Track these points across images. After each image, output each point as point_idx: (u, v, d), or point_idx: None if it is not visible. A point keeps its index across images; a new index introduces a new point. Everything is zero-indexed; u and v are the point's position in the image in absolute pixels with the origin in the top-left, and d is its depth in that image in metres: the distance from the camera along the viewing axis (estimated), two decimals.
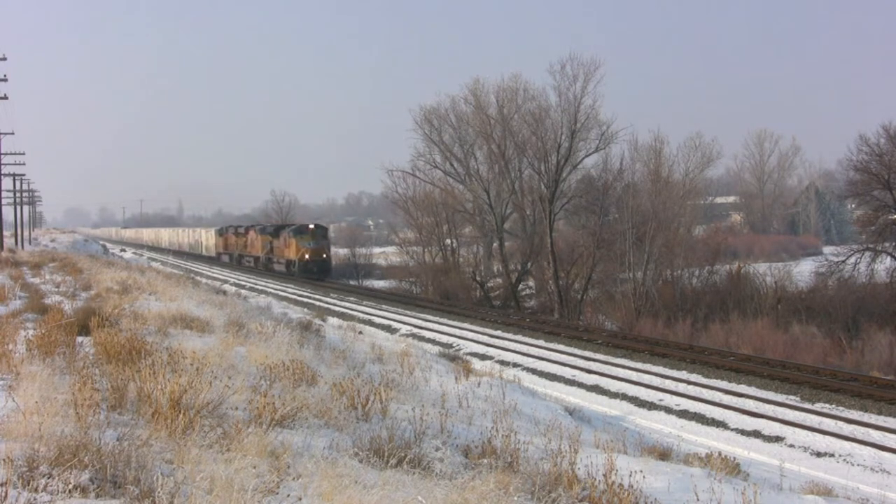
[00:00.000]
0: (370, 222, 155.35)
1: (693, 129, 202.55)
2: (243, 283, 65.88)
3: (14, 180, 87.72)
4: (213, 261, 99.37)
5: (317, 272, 68.66)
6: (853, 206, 76.80)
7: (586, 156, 61.47)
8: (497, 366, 26.17)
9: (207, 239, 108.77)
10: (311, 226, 72.83)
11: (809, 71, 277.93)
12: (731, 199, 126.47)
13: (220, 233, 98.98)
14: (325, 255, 70.59)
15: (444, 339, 35.12)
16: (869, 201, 49.18)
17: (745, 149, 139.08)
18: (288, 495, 7.34)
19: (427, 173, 70.56)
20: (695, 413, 22.25)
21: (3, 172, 71.94)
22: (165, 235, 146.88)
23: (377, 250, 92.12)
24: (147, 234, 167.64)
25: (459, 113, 68.47)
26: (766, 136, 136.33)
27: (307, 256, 69.49)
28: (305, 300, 51.64)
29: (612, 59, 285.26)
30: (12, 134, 74.85)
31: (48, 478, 7.00)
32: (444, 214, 66.43)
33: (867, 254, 45.48)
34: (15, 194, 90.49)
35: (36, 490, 6.80)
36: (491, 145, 65.87)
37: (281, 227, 78.87)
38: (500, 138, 65.14)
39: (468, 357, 28.29)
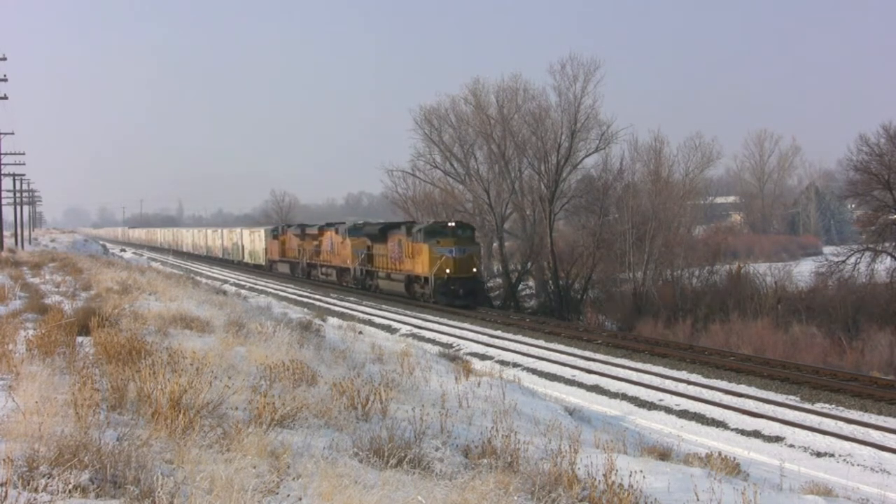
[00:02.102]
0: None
1: (693, 129, 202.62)
2: (245, 284, 65.83)
3: (14, 180, 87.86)
4: (260, 271, 77.81)
5: (464, 296, 44.35)
6: (853, 206, 76.86)
7: (586, 156, 61.58)
8: (497, 366, 26.16)
9: (253, 242, 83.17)
10: (452, 223, 46.90)
11: (809, 71, 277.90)
12: (731, 199, 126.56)
13: (275, 234, 74.91)
14: (475, 270, 45.31)
15: (444, 339, 35.11)
16: (869, 201, 49.24)
17: (745, 149, 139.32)
18: (288, 495, 7.35)
19: (427, 173, 70.59)
20: (695, 413, 22.25)
21: (3, 172, 72.03)
22: (188, 237, 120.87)
23: None
24: (163, 236, 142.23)
25: (459, 113, 68.53)
26: (766, 136, 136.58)
27: (449, 271, 44.18)
28: (305, 300, 51.63)
29: (612, 59, 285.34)
30: (12, 134, 74.84)
31: (48, 478, 7.00)
32: (444, 214, 66.36)
33: (867, 254, 45.51)
34: (15, 194, 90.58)
35: (36, 490, 6.80)
36: (491, 145, 65.92)
37: (391, 225, 53.12)
38: (500, 138, 65.19)
39: (468, 357, 28.28)
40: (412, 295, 48.06)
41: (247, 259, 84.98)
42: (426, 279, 45.67)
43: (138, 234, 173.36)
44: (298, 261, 67.94)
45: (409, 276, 48.03)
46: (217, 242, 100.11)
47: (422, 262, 45.67)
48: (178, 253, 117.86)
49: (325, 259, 61.97)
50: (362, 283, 55.46)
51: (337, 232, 59.53)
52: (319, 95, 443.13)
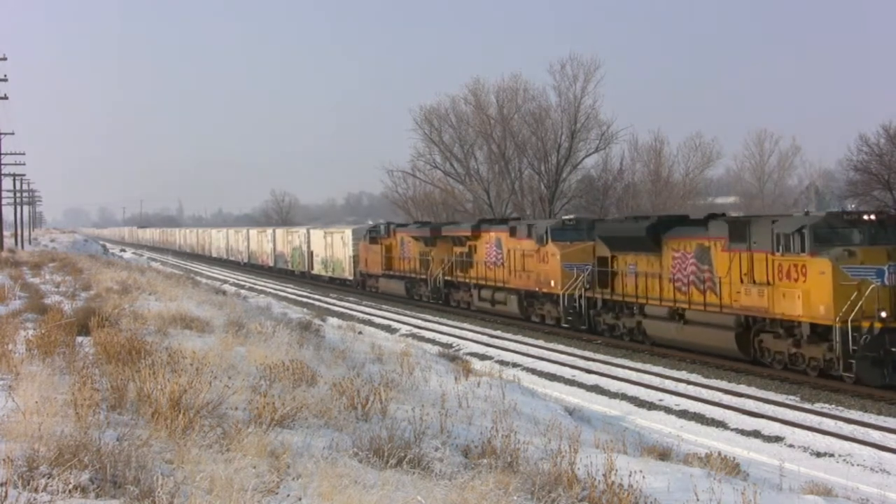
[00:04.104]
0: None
1: (693, 128, 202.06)
2: (245, 284, 65.78)
3: (14, 180, 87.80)
4: (343, 289, 57.66)
5: None
6: (853, 206, 76.91)
7: (586, 156, 61.86)
8: (497, 366, 26.17)
9: (331, 247, 60.81)
10: (870, 215, 24.31)
11: (810, 70, 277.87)
12: (731, 199, 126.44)
13: (374, 236, 52.65)
14: None
15: (444, 339, 35.11)
16: (869, 201, 49.30)
17: (745, 149, 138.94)
18: (288, 495, 7.36)
19: (427, 173, 70.78)
20: (694, 413, 22.25)
21: (3, 172, 72.00)
22: (219, 239, 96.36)
23: None
24: (184, 237, 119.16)
25: (459, 113, 68.71)
26: (766, 136, 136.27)
27: (885, 315, 21.74)
28: (305, 300, 51.62)
29: (612, 58, 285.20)
30: (12, 134, 74.64)
31: (48, 478, 7.01)
32: (444, 214, 66.40)
33: None
34: (15, 194, 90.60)
35: (36, 490, 6.81)
36: (491, 145, 66.07)
37: (674, 220, 30.55)
38: (500, 138, 65.33)
39: (468, 357, 28.26)
40: (759, 357, 25.73)
41: (318, 270, 63.37)
42: (815, 329, 23.37)
43: (150, 234, 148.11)
44: (423, 276, 46.29)
45: (747, 318, 25.71)
46: (266, 247, 76.98)
47: (805, 293, 23.19)
48: (205, 258, 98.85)
49: (489, 276, 39.44)
50: (589, 323, 32.94)
51: (515, 233, 37.21)
52: (320, 95, 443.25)
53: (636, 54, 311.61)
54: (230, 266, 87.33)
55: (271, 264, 75.01)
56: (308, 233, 66.80)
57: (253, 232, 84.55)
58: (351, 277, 57.29)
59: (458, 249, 42.93)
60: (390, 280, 50.62)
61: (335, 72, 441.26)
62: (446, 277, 44.15)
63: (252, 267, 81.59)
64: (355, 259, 56.14)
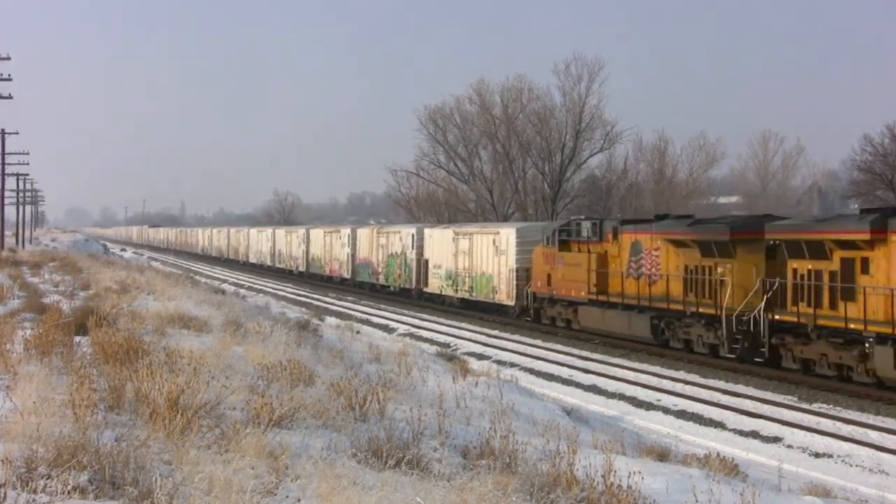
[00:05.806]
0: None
1: (697, 128, 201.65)
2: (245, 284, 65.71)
3: (17, 180, 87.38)
4: (481, 314, 40.63)
5: None
6: (856, 206, 76.99)
7: (591, 156, 61.99)
8: (494, 365, 26.15)
9: (464, 256, 42.00)
10: None
11: (814, 71, 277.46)
12: (734, 199, 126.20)
13: (564, 240, 33.79)
14: None
15: (442, 338, 35.09)
16: (872, 201, 49.30)
17: (749, 149, 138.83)
18: (287, 496, 7.37)
19: (431, 173, 70.83)
20: (693, 413, 22.24)
21: (7, 172, 71.77)
22: (260, 242, 77.04)
23: None
24: (210, 239, 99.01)
25: (464, 113, 68.80)
26: (770, 137, 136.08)
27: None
28: (303, 299, 51.61)
29: (617, 58, 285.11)
30: (17, 133, 74.05)
31: (47, 479, 7.02)
32: (447, 214, 66.40)
33: None
34: (18, 194, 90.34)
35: (35, 491, 6.82)
36: (495, 145, 66.18)
37: None
38: (504, 138, 65.43)
39: (466, 357, 28.25)
40: None
41: (439, 288, 44.91)
42: None
43: (164, 235, 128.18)
44: (699, 309, 27.49)
45: None
46: (338, 252, 57.97)
47: None
48: (238, 265, 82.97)
49: None
50: None
51: None
52: (322, 95, 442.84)
53: (641, 54, 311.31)
54: (276, 276, 70.16)
55: (346, 276, 56.51)
56: (419, 233, 47.36)
57: (316, 232, 63.88)
58: (511, 303, 38.25)
59: (802, 265, 23.93)
60: (608, 311, 31.56)
61: (337, 71, 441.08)
62: (774, 316, 24.71)
63: (313, 278, 63.26)
64: (520, 274, 37.56)
